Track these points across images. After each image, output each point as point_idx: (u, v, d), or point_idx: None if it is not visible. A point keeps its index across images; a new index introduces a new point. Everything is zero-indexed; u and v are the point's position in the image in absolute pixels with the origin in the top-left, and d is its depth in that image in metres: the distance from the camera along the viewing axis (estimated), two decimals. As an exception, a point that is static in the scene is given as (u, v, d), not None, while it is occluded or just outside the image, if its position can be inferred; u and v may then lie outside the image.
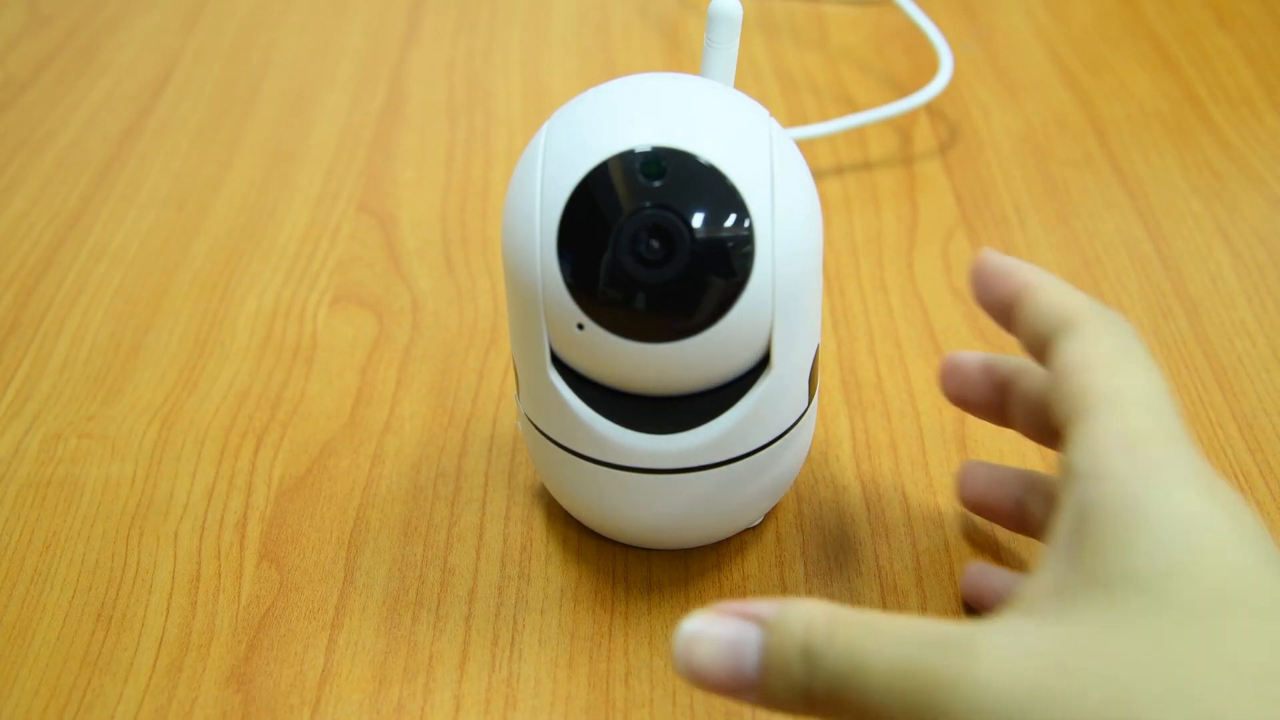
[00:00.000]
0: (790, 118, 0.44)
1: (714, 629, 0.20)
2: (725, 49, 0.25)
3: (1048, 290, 0.24)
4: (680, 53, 0.48)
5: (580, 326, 0.23)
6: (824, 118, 0.43)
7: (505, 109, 0.46)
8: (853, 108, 0.44)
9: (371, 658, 0.26)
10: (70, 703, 0.26)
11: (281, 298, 0.37)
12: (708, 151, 0.22)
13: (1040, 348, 0.23)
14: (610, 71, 0.47)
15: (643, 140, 0.22)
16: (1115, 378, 0.21)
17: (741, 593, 0.27)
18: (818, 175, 0.41)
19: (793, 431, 0.26)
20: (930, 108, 0.44)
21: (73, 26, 0.52)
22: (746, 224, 0.22)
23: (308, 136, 0.45)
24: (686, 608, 0.25)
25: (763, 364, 0.24)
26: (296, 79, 0.48)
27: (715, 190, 0.22)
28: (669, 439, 0.24)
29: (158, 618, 0.27)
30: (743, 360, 0.24)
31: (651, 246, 0.22)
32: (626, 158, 0.22)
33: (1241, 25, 0.48)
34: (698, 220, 0.22)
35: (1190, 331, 0.34)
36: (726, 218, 0.22)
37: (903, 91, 0.45)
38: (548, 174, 0.23)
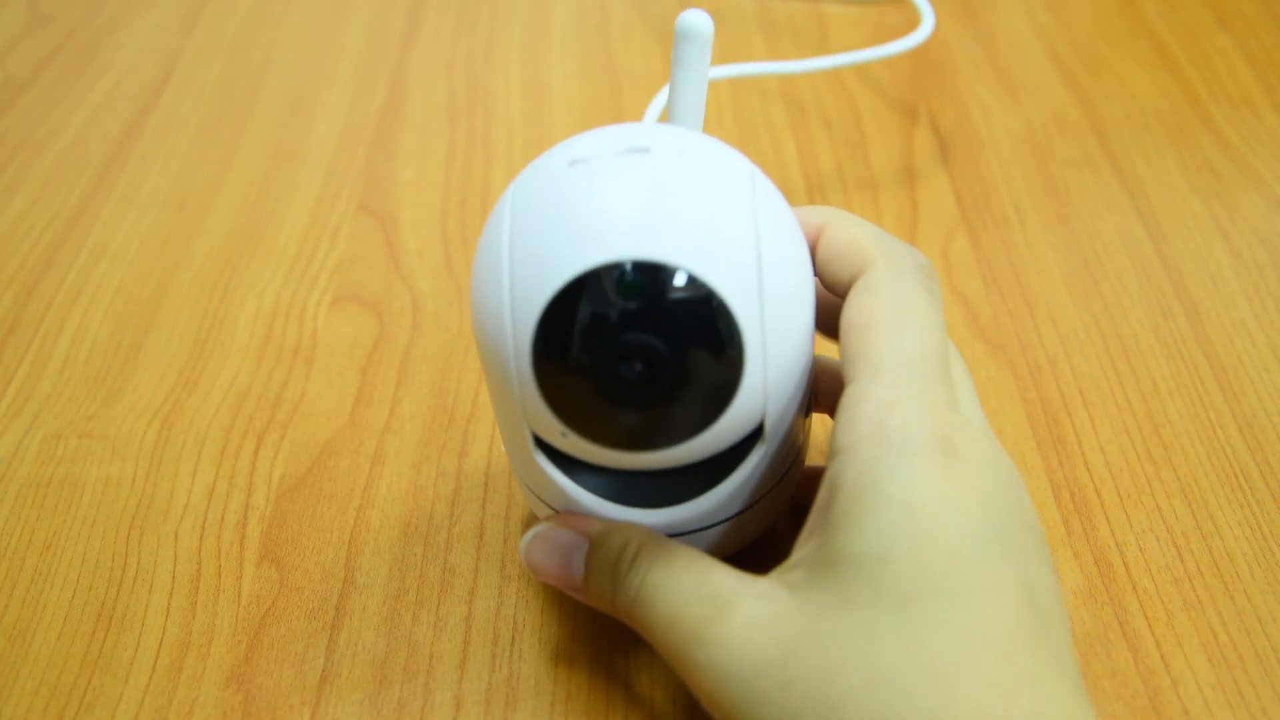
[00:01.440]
0: (791, 120, 0.44)
1: (553, 534, 0.23)
2: (695, 68, 0.23)
3: (836, 230, 0.23)
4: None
5: (563, 434, 0.22)
6: (825, 121, 0.43)
7: (505, 109, 0.46)
8: (854, 108, 0.44)
9: (371, 658, 0.26)
10: (70, 703, 0.26)
11: (281, 298, 0.37)
12: (689, 260, 0.20)
13: (838, 293, 0.23)
14: (610, 72, 0.47)
15: (617, 251, 0.20)
16: (886, 338, 0.21)
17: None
18: (817, 174, 0.41)
19: (789, 473, 0.25)
20: (930, 107, 0.44)
21: (73, 26, 0.52)
22: (735, 337, 0.20)
23: (308, 136, 0.45)
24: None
25: (756, 433, 0.22)
26: (296, 79, 0.48)
27: (699, 306, 0.20)
28: (661, 511, 0.23)
29: (158, 618, 0.27)
30: (734, 439, 0.22)
31: (633, 369, 0.20)
32: (602, 275, 0.20)
33: (1241, 25, 0.48)
34: (681, 341, 0.20)
35: (1190, 331, 0.34)
36: (712, 334, 0.20)
37: (903, 91, 0.45)
38: (517, 279, 0.20)
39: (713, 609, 0.20)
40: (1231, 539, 0.28)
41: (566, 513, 0.24)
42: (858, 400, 0.21)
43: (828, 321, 0.24)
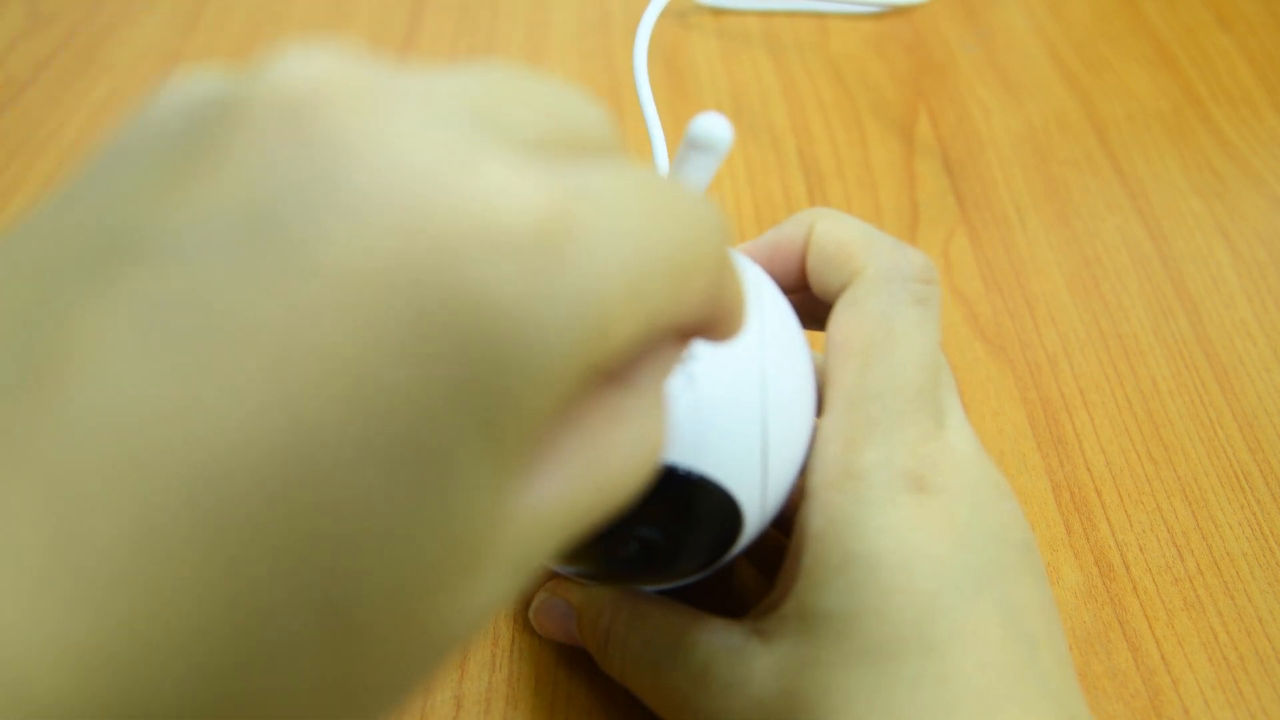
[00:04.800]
0: (792, 120, 0.44)
1: (550, 603, 0.25)
2: (701, 176, 0.21)
3: (824, 234, 0.22)
4: (680, 57, 0.48)
5: (559, 570, 0.22)
6: (825, 121, 0.43)
7: (505, 109, 0.46)
8: (854, 108, 0.44)
9: (371, 657, 0.26)
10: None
11: (282, 298, 0.37)
12: (690, 459, 0.19)
13: (828, 302, 0.22)
14: (611, 73, 0.47)
15: None
16: (863, 367, 0.20)
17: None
18: (818, 174, 0.41)
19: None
20: (930, 107, 0.44)
21: (73, 26, 0.52)
22: (735, 513, 0.20)
23: (308, 136, 0.45)
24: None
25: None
26: (297, 79, 0.48)
27: (698, 496, 0.19)
28: (652, 587, 0.23)
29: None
30: (725, 564, 0.22)
31: (629, 549, 0.20)
32: None
33: (1242, 25, 0.48)
34: (678, 527, 0.19)
35: (1191, 331, 0.34)
36: (712, 519, 0.20)
37: (903, 91, 0.45)
38: None
39: (691, 676, 0.20)
40: (1232, 539, 0.28)
41: (557, 579, 0.25)
42: (827, 439, 0.20)
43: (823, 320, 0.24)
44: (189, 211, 0.10)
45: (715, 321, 0.14)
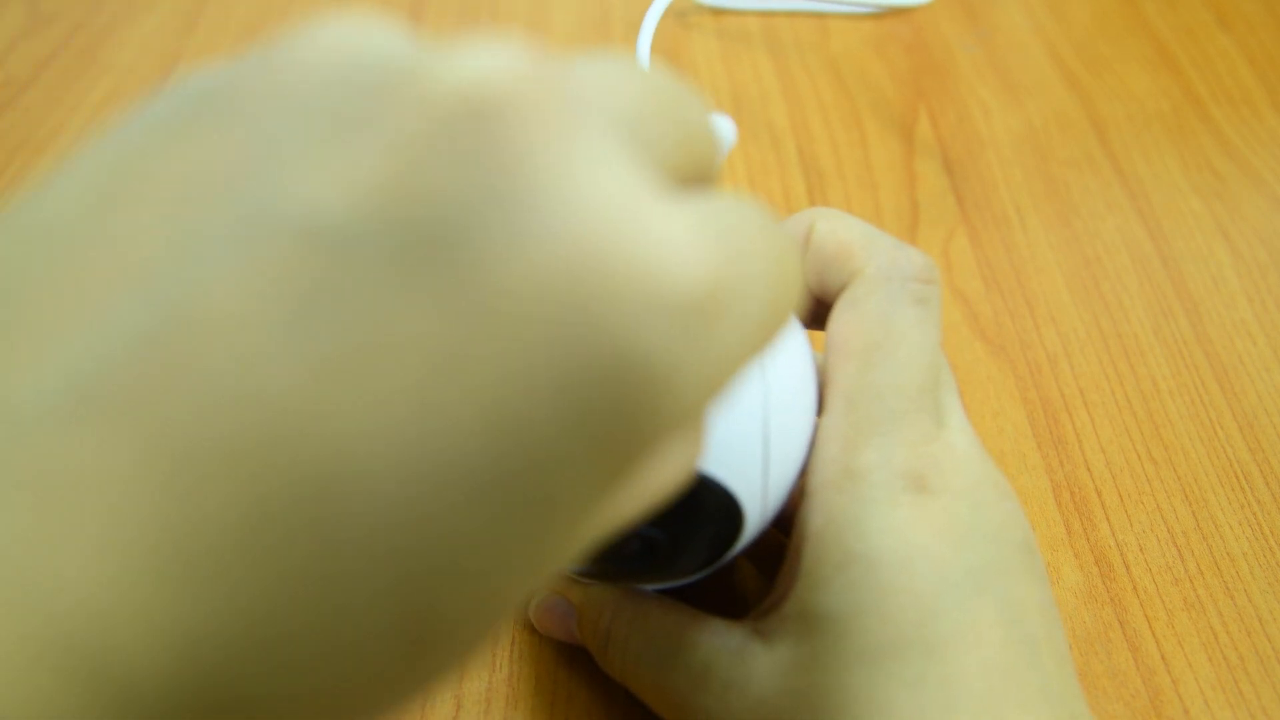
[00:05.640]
0: (792, 120, 0.44)
1: (550, 601, 0.25)
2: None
3: (823, 234, 0.22)
4: (680, 57, 0.48)
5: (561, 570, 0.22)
6: (825, 121, 0.43)
7: (505, 109, 0.46)
8: (854, 108, 0.44)
9: (371, 657, 0.26)
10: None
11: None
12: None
13: (828, 301, 0.22)
14: (610, 71, 0.47)
15: None
16: (863, 366, 0.20)
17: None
18: (818, 174, 0.41)
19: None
20: (930, 107, 0.44)
21: (73, 26, 0.52)
22: (736, 512, 0.20)
23: (308, 136, 0.45)
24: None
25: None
26: (297, 79, 0.48)
27: (699, 495, 0.19)
28: (652, 585, 0.23)
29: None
30: (725, 564, 0.22)
31: (630, 547, 0.20)
32: None
33: (1242, 25, 0.48)
34: (679, 526, 0.20)
35: (1191, 331, 0.34)
36: (712, 518, 0.20)
37: (903, 91, 0.45)
38: None
39: (692, 676, 0.20)
40: (1232, 539, 0.28)
41: (557, 585, 0.25)
42: (827, 438, 0.20)
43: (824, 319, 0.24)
44: (353, 196, 0.09)
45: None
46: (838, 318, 0.21)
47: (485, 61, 0.10)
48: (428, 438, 0.09)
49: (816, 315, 0.23)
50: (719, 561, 0.21)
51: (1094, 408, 0.32)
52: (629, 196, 0.10)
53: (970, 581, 0.18)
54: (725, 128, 0.20)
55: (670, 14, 0.49)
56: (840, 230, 0.22)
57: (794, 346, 0.21)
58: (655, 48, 0.49)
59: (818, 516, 0.19)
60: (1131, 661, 0.26)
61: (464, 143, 0.09)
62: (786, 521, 0.22)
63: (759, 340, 0.11)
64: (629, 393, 0.09)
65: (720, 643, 0.20)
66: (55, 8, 0.54)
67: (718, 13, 0.49)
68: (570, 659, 0.26)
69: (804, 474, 0.21)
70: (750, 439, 0.19)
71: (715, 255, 0.10)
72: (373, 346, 0.09)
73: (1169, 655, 0.26)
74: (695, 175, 0.12)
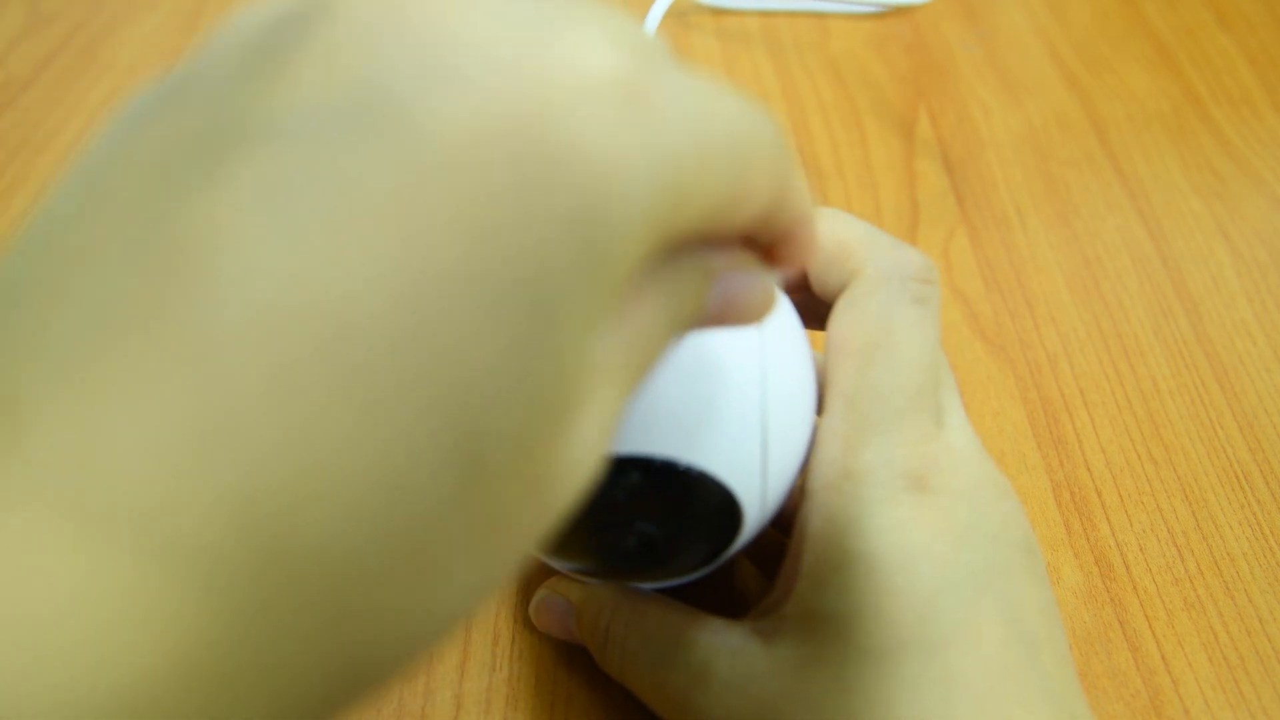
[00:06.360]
0: (792, 120, 0.44)
1: (550, 600, 0.25)
2: None
3: (823, 234, 0.22)
4: (680, 55, 0.48)
5: (555, 564, 0.22)
6: (825, 121, 0.43)
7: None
8: (854, 108, 0.44)
9: (372, 657, 0.26)
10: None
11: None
12: (690, 454, 0.19)
13: (828, 301, 0.22)
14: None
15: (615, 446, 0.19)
16: (863, 366, 0.20)
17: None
18: (818, 174, 0.41)
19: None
20: (930, 107, 0.44)
21: (73, 26, 0.52)
22: (734, 509, 0.19)
23: (308, 136, 0.45)
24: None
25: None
26: (297, 79, 0.48)
27: (697, 491, 0.19)
28: (651, 584, 0.23)
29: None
30: (722, 563, 0.22)
31: (628, 544, 0.20)
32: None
33: (1242, 25, 0.48)
34: (677, 522, 0.20)
35: (1191, 331, 0.34)
36: (711, 515, 0.20)
37: (903, 91, 0.45)
38: None
39: (691, 675, 0.20)
40: (1232, 539, 0.28)
41: (557, 576, 0.25)
42: (826, 438, 0.20)
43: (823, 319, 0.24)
44: (297, 97, 0.10)
45: (788, 234, 0.14)
46: (837, 317, 0.21)
47: None
48: (422, 267, 0.10)
49: (816, 315, 0.23)
50: (718, 560, 0.21)
51: (1094, 408, 0.32)
52: (537, 24, 0.11)
53: (970, 581, 0.18)
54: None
55: (670, 14, 0.49)
56: (840, 230, 0.22)
57: (792, 344, 0.21)
58: (655, 48, 0.49)
59: (818, 516, 0.19)
60: (1131, 661, 0.26)
61: (378, 26, 0.11)
62: (786, 522, 0.22)
63: (698, 142, 0.12)
64: (577, 177, 0.10)
65: (720, 642, 0.20)
66: (55, 8, 0.54)
67: (718, 13, 0.49)
68: (570, 659, 0.26)
69: (803, 473, 0.21)
70: (749, 437, 0.19)
71: (630, 59, 0.11)
72: (347, 208, 0.10)
73: (1169, 655, 0.26)
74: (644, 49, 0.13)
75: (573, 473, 0.12)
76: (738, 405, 0.19)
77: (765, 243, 0.15)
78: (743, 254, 0.15)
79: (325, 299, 0.09)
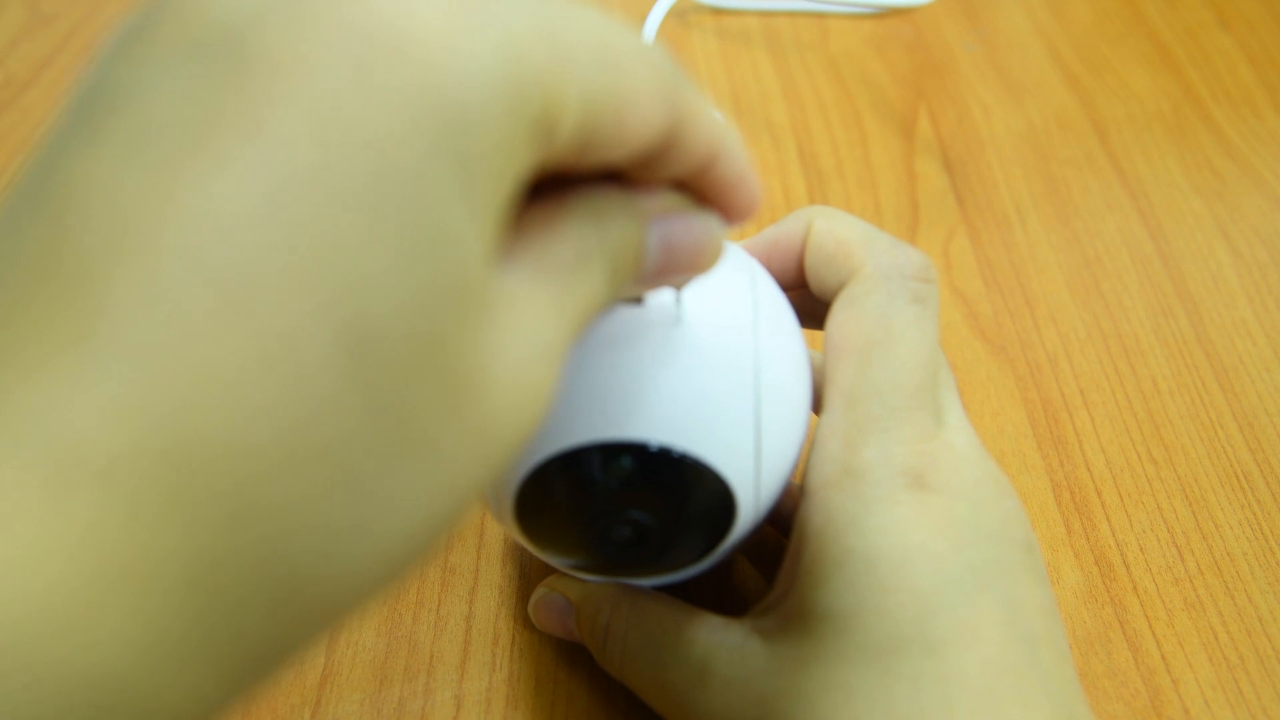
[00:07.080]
0: (792, 120, 0.44)
1: (548, 598, 0.25)
2: None
3: (822, 233, 0.22)
4: (680, 56, 0.48)
5: (549, 561, 0.22)
6: (825, 120, 0.43)
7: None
8: (854, 108, 0.44)
9: (372, 658, 0.26)
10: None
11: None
12: (682, 441, 0.19)
13: (826, 300, 0.22)
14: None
15: (601, 431, 0.18)
16: (862, 365, 0.20)
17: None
18: (818, 174, 0.41)
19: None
20: (930, 107, 0.44)
21: (73, 26, 0.52)
22: (728, 497, 0.19)
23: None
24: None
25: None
26: (297, 79, 0.48)
27: (690, 479, 0.19)
28: (649, 580, 0.23)
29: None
30: (717, 560, 0.22)
31: (621, 534, 0.20)
32: (584, 454, 0.19)
33: (1242, 25, 0.48)
34: (671, 511, 0.19)
35: (1191, 331, 0.34)
36: (704, 504, 0.19)
37: (903, 91, 0.45)
38: None
39: (690, 673, 0.20)
40: (1232, 539, 0.28)
41: (556, 574, 0.25)
42: (826, 437, 0.20)
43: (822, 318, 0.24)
44: (156, 54, 0.11)
45: (709, 168, 0.14)
46: (836, 316, 0.21)
47: None
48: (288, 173, 0.10)
49: (814, 314, 0.23)
50: (714, 553, 0.21)
51: (1094, 408, 0.32)
52: None
53: (970, 579, 0.18)
54: None
55: (671, 14, 0.49)
56: (839, 229, 0.22)
57: (786, 337, 0.21)
58: (655, 47, 0.49)
59: (817, 515, 0.19)
60: (1131, 661, 0.26)
61: None
62: (786, 521, 0.22)
63: (542, 29, 0.12)
64: (421, 66, 0.11)
65: (719, 639, 0.20)
66: (55, 8, 0.54)
67: (718, 12, 0.49)
68: (570, 658, 0.26)
69: (799, 469, 0.21)
70: (741, 424, 0.19)
71: None
72: (209, 138, 0.10)
73: (1169, 655, 0.26)
74: None
75: (504, 392, 0.12)
76: (731, 395, 0.19)
77: (699, 189, 0.15)
78: (674, 196, 0.15)
79: (189, 208, 0.10)
